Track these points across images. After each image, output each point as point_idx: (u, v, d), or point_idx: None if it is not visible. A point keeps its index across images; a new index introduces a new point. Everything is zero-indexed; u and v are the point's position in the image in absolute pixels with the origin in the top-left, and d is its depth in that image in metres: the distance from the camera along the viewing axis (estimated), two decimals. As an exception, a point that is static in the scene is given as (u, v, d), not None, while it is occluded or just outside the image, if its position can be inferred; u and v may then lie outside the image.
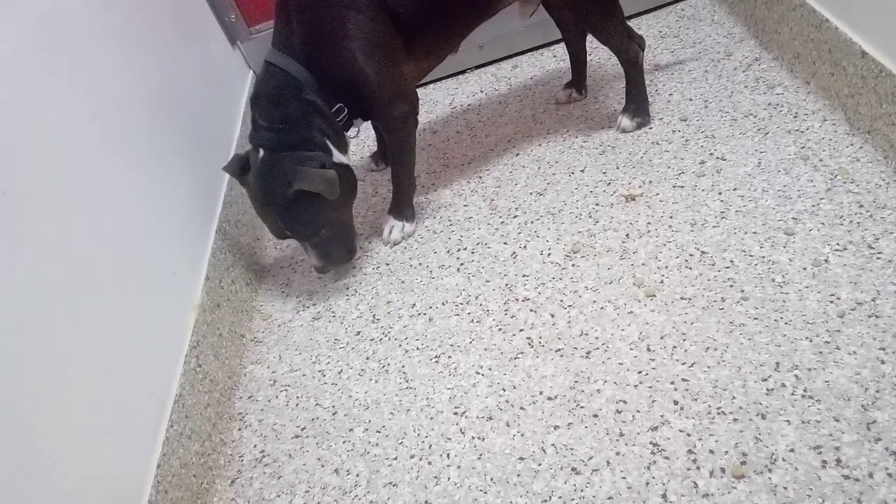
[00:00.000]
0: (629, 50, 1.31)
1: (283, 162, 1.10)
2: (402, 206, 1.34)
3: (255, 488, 1.00)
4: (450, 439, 0.97)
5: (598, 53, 1.63)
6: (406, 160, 1.29)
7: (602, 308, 1.07)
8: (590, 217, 1.24)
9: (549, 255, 1.20)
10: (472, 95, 1.73)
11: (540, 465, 0.90)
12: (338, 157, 1.17)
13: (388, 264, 1.31)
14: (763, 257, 1.05)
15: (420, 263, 1.29)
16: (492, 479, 0.90)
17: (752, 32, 1.52)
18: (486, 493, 0.89)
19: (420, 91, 1.81)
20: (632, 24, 1.72)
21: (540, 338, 1.06)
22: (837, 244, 1.02)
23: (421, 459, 0.96)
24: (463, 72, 1.83)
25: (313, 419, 1.08)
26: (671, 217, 1.18)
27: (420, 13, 1.13)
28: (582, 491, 0.85)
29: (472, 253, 1.27)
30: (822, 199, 1.10)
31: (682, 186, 1.23)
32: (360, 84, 1.13)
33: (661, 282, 1.07)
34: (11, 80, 0.83)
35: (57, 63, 0.94)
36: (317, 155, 1.12)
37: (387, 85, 1.15)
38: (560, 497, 0.86)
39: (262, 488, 1.00)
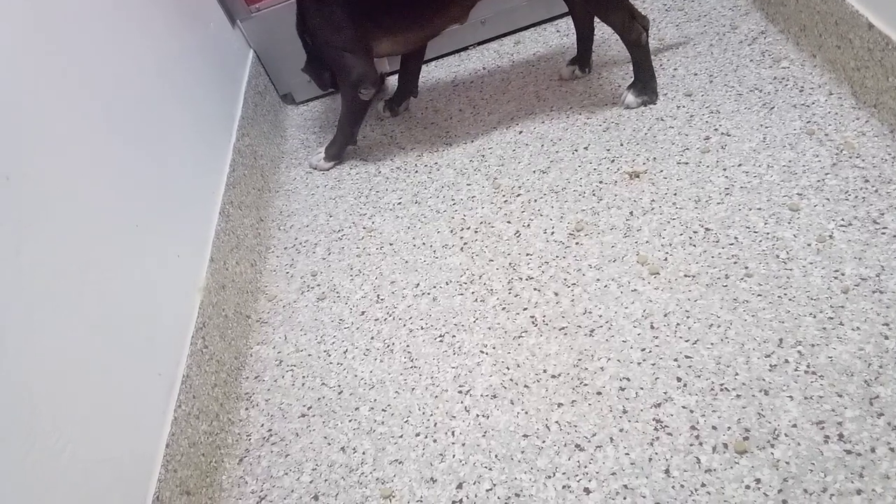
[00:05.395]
0: (631, 30, 1.30)
1: None
2: (332, 144, 1.58)
3: (263, 466, 1.02)
4: (454, 417, 0.98)
5: (603, 29, 1.60)
6: (345, 113, 1.53)
7: (606, 286, 1.07)
8: (593, 195, 1.24)
9: (552, 233, 1.20)
10: (475, 72, 1.72)
11: (544, 441, 0.91)
12: None
13: (391, 244, 1.32)
14: (767, 233, 1.04)
15: (424, 243, 1.29)
16: (496, 456, 0.91)
17: (758, 5, 1.50)
18: (490, 469, 0.90)
19: (421, 68, 1.80)
20: (636, -3, 1.70)
21: (544, 316, 1.06)
22: (842, 220, 1.02)
23: (426, 437, 0.97)
24: (465, 48, 1.81)
25: (319, 398, 1.09)
26: (675, 194, 1.17)
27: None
28: (585, 467, 0.86)
29: (476, 232, 1.27)
30: (827, 174, 1.09)
31: (687, 163, 1.22)
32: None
33: (665, 259, 1.07)
34: (10, 64, 0.83)
35: (56, 45, 0.94)
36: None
37: (338, 59, 1.41)
38: (564, 473, 0.87)
39: (270, 466, 1.02)
